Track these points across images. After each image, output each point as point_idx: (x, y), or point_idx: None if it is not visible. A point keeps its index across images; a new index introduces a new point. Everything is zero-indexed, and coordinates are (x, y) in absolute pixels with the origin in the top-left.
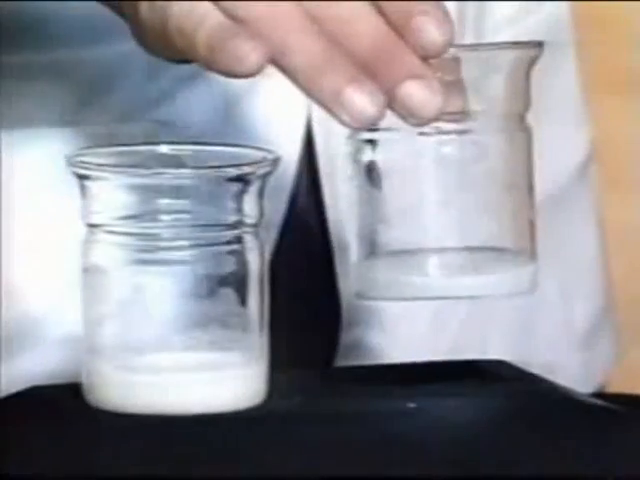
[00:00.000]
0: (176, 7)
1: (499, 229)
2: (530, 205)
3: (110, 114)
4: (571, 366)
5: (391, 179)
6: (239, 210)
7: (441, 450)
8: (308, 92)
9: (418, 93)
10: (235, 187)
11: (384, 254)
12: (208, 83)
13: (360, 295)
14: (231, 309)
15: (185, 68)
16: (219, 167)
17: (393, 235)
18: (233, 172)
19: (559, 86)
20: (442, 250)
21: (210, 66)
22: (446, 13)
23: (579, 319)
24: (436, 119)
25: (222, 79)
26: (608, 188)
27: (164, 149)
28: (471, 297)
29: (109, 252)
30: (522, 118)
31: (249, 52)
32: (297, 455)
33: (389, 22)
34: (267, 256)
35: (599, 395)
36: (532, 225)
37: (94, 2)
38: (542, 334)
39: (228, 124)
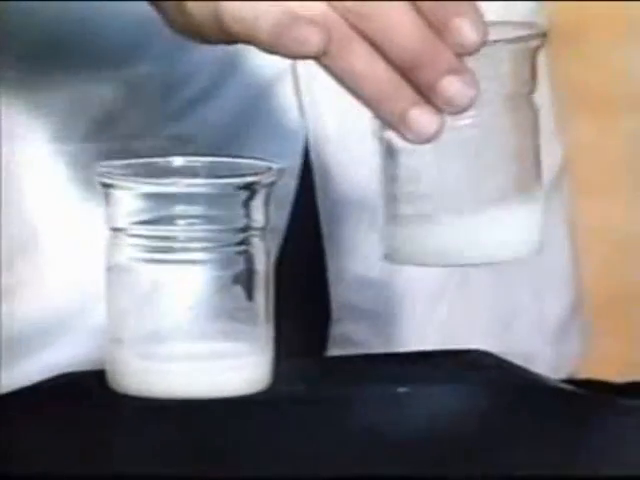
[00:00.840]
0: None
1: (509, 196)
2: (537, 175)
3: (128, 131)
4: (545, 356)
5: (409, 153)
6: (247, 215)
7: (429, 429)
8: (377, 114)
9: (457, 86)
10: (243, 195)
11: (405, 221)
12: (218, 103)
13: (388, 258)
14: (240, 304)
15: (196, 88)
16: (229, 177)
17: (413, 203)
18: (241, 181)
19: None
20: (458, 216)
21: (273, 49)
22: (480, 13)
23: (551, 316)
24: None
25: (230, 99)
26: (581, 194)
27: (179, 161)
28: (485, 263)
29: (130, 253)
30: (528, 99)
31: (311, 35)
32: (299, 435)
33: (428, 22)
34: (272, 258)
35: (569, 381)
36: (540, 192)
37: (116, 26)
38: (519, 329)
39: (236, 139)
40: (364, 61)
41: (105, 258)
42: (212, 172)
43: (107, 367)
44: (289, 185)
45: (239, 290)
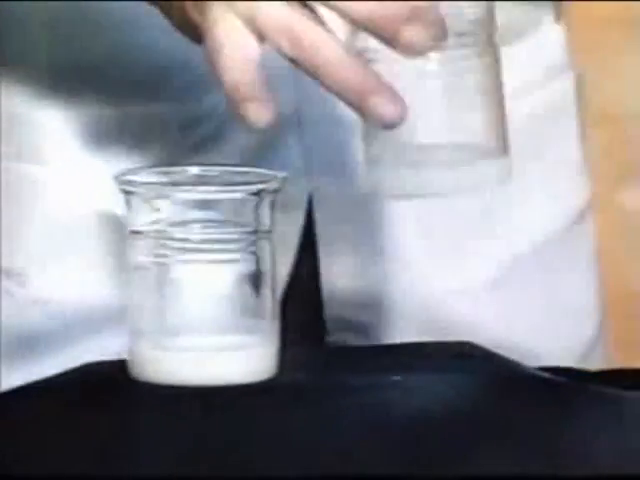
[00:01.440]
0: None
1: (478, 128)
2: (501, 106)
3: (146, 162)
4: None
5: None
6: (256, 219)
7: (419, 410)
8: (343, 102)
9: (417, 30)
10: (252, 200)
11: (385, 152)
12: (228, 142)
13: (367, 190)
14: (248, 300)
15: (211, 127)
16: (239, 184)
17: (391, 135)
18: (251, 189)
19: (564, 145)
20: (431, 147)
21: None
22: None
23: (570, 349)
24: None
25: (239, 139)
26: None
27: (195, 170)
28: (455, 192)
29: (148, 254)
30: (490, 37)
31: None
32: (301, 418)
33: None
34: (286, 268)
35: (551, 369)
36: (504, 123)
37: (143, 62)
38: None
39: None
40: (328, 58)
41: (126, 258)
42: (224, 180)
43: (127, 357)
44: (293, 231)
45: (248, 288)
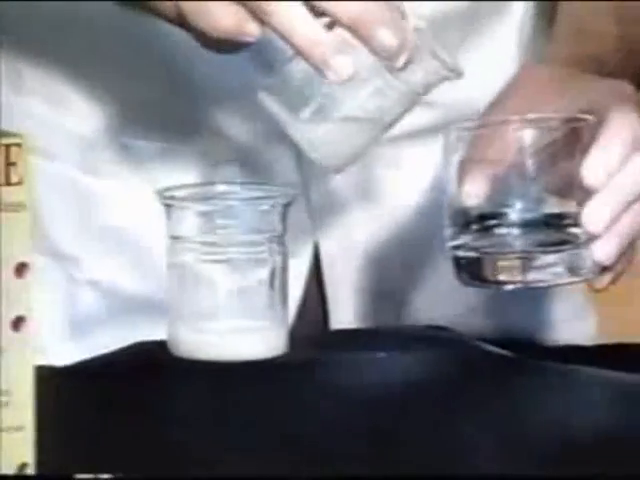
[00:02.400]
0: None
1: None
2: None
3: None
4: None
5: None
6: (269, 226)
7: (392, 382)
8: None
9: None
10: (268, 211)
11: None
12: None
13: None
14: (264, 291)
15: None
16: (258, 198)
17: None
18: (267, 201)
19: None
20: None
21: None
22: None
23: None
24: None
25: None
26: None
27: (222, 187)
28: None
29: (185, 254)
30: None
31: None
32: (305, 387)
33: None
34: (303, 271)
35: (518, 343)
36: None
37: (196, 103)
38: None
39: None
40: (299, 22)
41: (166, 258)
42: (245, 195)
43: (167, 338)
44: (300, 278)
45: (264, 281)
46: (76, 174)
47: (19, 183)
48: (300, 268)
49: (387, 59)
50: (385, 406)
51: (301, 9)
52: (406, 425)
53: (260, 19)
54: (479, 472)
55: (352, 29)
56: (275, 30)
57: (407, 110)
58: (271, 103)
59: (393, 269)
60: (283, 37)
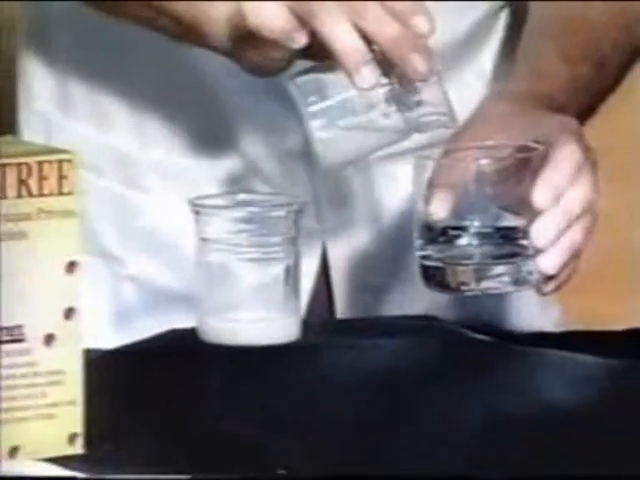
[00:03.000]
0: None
1: None
2: None
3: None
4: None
5: None
6: (284, 230)
7: (394, 364)
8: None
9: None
10: (283, 217)
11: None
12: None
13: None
14: (279, 286)
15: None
16: (273, 206)
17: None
18: (282, 208)
19: None
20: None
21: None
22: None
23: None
24: None
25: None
26: None
27: (243, 196)
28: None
29: (212, 254)
30: None
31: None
32: (316, 368)
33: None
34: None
35: (507, 333)
36: None
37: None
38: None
39: None
40: (342, 32)
41: (196, 257)
42: (262, 203)
43: (197, 326)
44: (310, 275)
45: (279, 278)
46: (118, 186)
47: (70, 193)
48: (310, 266)
49: (412, 82)
50: (383, 385)
51: (346, 24)
52: (401, 401)
53: (309, 28)
54: (464, 443)
55: (390, 50)
56: (321, 35)
57: (400, 139)
58: (296, 95)
59: (390, 267)
60: (326, 42)
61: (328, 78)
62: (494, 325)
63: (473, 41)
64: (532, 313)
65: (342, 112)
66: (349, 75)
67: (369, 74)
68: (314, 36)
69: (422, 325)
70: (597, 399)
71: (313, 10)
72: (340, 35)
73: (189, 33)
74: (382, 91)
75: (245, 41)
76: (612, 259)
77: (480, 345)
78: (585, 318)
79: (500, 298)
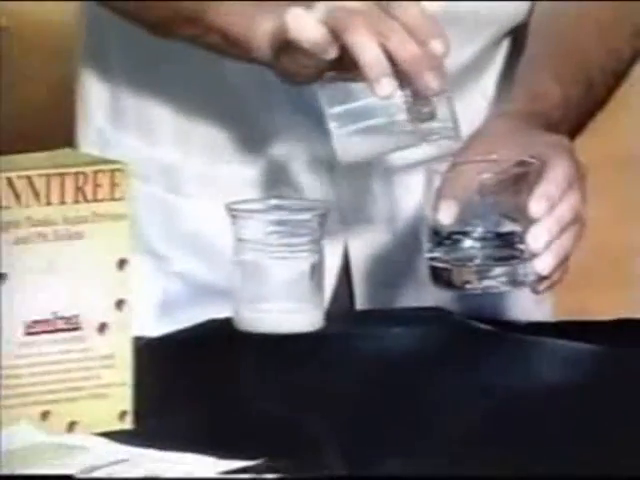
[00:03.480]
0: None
1: None
2: None
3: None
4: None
5: None
6: (310, 231)
7: (406, 349)
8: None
9: (432, 77)
10: (309, 220)
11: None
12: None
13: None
14: (305, 281)
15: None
16: (301, 210)
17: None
18: (308, 213)
19: None
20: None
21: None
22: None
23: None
24: None
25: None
26: None
27: (274, 202)
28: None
29: (246, 253)
30: None
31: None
32: (338, 353)
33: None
34: (336, 261)
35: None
36: None
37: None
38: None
39: None
40: (370, 47)
41: (233, 256)
42: (291, 207)
43: (232, 316)
44: (333, 271)
45: (305, 273)
46: (163, 192)
47: (121, 199)
48: (333, 264)
49: (425, 96)
50: (397, 368)
51: (373, 42)
52: (413, 381)
53: (341, 42)
54: (469, 417)
55: (407, 67)
56: (351, 49)
57: (410, 146)
58: (322, 98)
59: (404, 265)
60: (354, 55)
61: (352, 86)
62: (495, 316)
63: (478, 66)
64: (528, 306)
65: (360, 116)
66: (370, 84)
67: (388, 84)
68: (344, 50)
69: (432, 316)
70: (586, 381)
71: (346, 28)
72: (366, 50)
73: (235, 46)
74: (398, 102)
75: (284, 51)
76: (600, 259)
77: (483, 334)
78: (575, 310)
79: (500, 294)
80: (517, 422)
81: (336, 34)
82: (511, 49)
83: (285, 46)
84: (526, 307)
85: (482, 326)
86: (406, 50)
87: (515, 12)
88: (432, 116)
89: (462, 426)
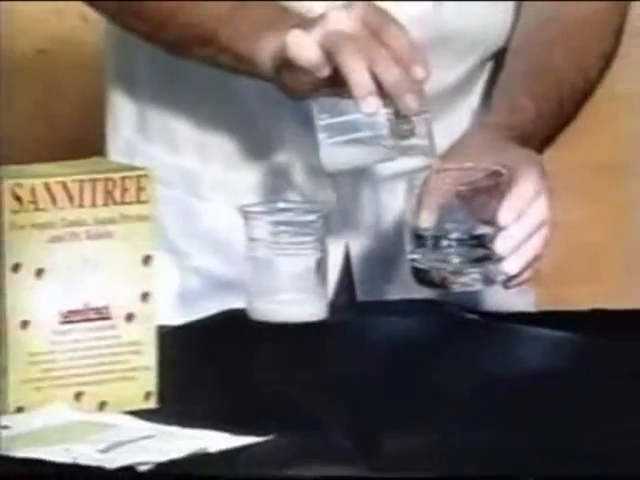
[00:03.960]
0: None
1: None
2: None
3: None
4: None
5: None
6: (314, 231)
7: (404, 337)
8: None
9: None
10: (314, 220)
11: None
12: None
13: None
14: (311, 275)
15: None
16: (305, 211)
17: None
18: (312, 214)
19: None
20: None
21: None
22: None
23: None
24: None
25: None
26: None
27: (281, 205)
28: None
29: (258, 250)
30: None
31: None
32: (340, 340)
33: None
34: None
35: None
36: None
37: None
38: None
39: None
40: (358, 70)
41: (246, 253)
42: (297, 209)
43: (246, 307)
44: (336, 266)
45: (311, 269)
46: (184, 196)
47: (146, 202)
48: (336, 260)
49: (406, 115)
50: (394, 353)
51: (362, 64)
52: (410, 365)
53: (333, 63)
54: (460, 397)
55: (391, 89)
56: (341, 69)
57: (389, 159)
58: (314, 111)
59: (398, 262)
60: (344, 74)
61: (341, 103)
62: (483, 307)
63: (466, 84)
64: (513, 298)
65: (347, 129)
66: (357, 101)
67: (373, 102)
68: (337, 70)
69: (425, 307)
70: (564, 364)
71: (339, 51)
72: (356, 71)
73: (243, 63)
74: (382, 119)
75: (284, 68)
76: (576, 256)
77: (471, 323)
78: (554, 301)
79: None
80: (503, 401)
81: (330, 55)
82: (495, 69)
83: (285, 63)
84: (511, 299)
85: (471, 316)
86: (390, 74)
87: (499, 37)
88: (411, 133)
89: (454, 404)
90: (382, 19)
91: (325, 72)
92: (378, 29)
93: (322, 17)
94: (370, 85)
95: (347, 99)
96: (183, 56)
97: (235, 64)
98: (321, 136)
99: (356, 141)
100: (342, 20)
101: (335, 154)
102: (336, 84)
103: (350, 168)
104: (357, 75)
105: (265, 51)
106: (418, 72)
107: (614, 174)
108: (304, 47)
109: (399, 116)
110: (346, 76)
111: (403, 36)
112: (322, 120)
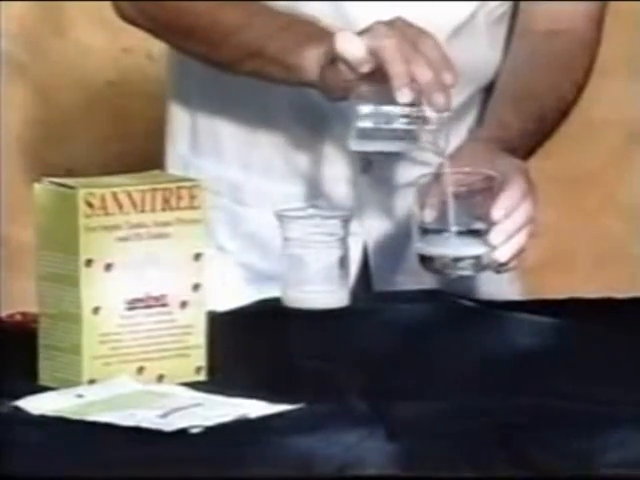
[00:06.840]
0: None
1: None
2: None
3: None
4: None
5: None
6: (338, 232)
7: (414, 321)
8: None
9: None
10: (337, 223)
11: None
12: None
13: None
14: (335, 269)
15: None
16: (330, 216)
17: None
18: (336, 218)
19: None
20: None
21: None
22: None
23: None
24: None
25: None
26: None
27: (311, 211)
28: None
29: (292, 248)
30: None
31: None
32: (361, 324)
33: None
34: (358, 254)
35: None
36: None
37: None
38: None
39: None
40: (398, 63)
41: (281, 250)
42: (323, 214)
43: (281, 296)
44: (355, 261)
45: (335, 263)
46: (230, 203)
47: (198, 208)
48: (355, 255)
49: (427, 118)
50: (405, 335)
51: (402, 61)
52: (417, 346)
53: (376, 60)
54: (459, 374)
55: (423, 86)
56: (384, 64)
57: (408, 151)
58: (355, 100)
59: (409, 257)
60: (386, 67)
61: (378, 98)
62: (479, 295)
63: (465, 109)
64: (503, 288)
65: (380, 118)
66: (394, 90)
67: (407, 93)
68: (374, 71)
69: (431, 295)
70: (547, 345)
71: (382, 48)
72: (396, 65)
73: (290, 71)
74: (410, 116)
75: (328, 67)
76: (556, 251)
77: (470, 309)
78: (538, 290)
79: (482, 279)
80: (496, 375)
81: (373, 52)
82: (485, 96)
83: (331, 61)
84: (502, 288)
85: (469, 303)
86: (424, 74)
87: (491, 74)
88: (430, 132)
89: (456, 378)
90: (419, 32)
91: (366, 68)
92: (415, 40)
93: (366, 28)
94: (406, 78)
95: (379, 103)
96: (235, 71)
97: (282, 74)
98: (356, 120)
99: (384, 131)
100: (384, 31)
101: (363, 137)
102: (375, 81)
103: (372, 151)
104: (397, 67)
105: (311, 56)
106: (447, 78)
107: (585, 184)
108: (351, 42)
109: (425, 118)
110: (387, 69)
111: (437, 48)
112: (361, 109)
